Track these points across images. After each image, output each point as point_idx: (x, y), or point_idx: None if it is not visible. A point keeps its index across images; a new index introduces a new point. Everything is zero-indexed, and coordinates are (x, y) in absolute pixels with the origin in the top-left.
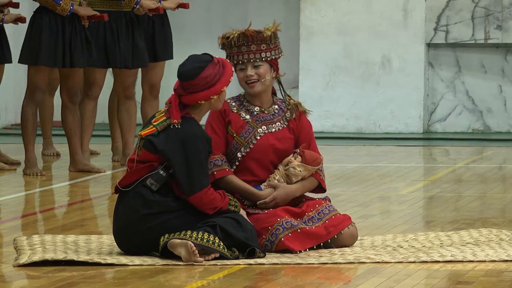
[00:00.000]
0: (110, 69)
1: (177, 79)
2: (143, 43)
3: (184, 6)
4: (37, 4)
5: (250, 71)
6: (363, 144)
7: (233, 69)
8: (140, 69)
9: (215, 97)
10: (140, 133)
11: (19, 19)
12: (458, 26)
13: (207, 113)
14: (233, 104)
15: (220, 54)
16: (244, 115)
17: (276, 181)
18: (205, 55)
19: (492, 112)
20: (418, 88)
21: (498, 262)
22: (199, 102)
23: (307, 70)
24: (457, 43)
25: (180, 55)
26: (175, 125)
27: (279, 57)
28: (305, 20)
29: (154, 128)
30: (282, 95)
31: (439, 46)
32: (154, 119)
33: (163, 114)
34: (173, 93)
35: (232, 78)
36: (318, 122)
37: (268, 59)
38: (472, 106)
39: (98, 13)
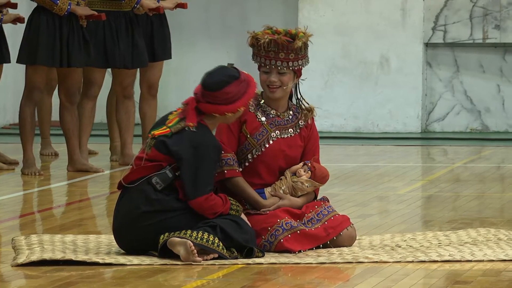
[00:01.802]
0: (109, 69)
1: (199, 84)
2: (143, 43)
3: (182, 6)
4: (35, 4)
5: (274, 77)
6: (362, 143)
7: (255, 90)
8: (138, 69)
9: (230, 114)
10: (152, 132)
11: (18, 19)
12: (456, 26)
13: None
14: (251, 103)
15: (217, 52)
16: (260, 116)
17: (281, 191)
18: (234, 69)
19: (490, 111)
20: (416, 87)
21: (496, 261)
22: (213, 114)
23: (305, 70)
24: (455, 42)
25: (178, 55)
26: (190, 128)
27: (304, 66)
28: (303, 20)
29: (168, 129)
30: (297, 98)
31: (437, 46)
32: (168, 121)
33: (177, 115)
34: (192, 96)
35: (252, 100)
36: (316, 122)
37: (295, 68)
38: (470, 106)
39: (96, 13)
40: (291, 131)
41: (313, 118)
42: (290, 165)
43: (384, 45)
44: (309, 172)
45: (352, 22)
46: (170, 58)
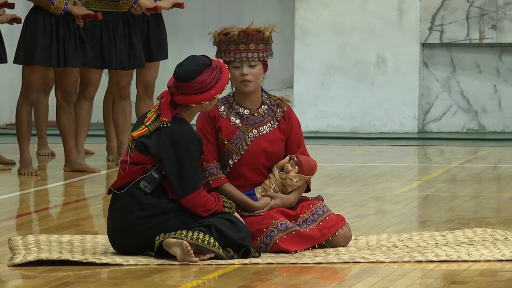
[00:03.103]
0: (106, 69)
1: (171, 76)
2: (140, 44)
3: (179, 5)
4: (32, 4)
5: (246, 70)
6: (358, 144)
7: (229, 76)
8: (135, 69)
9: (206, 102)
10: (132, 134)
11: (14, 20)
12: (453, 26)
13: (196, 115)
14: (222, 108)
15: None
16: (234, 119)
17: (272, 190)
18: (204, 57)
19: (487, 111)
20: (413, 88)
21: (492, 262)
22: (190, 104)
23: (302, 70)
24: (452, 43)
25: (175, 55)
26: (165, 123)
27: (269, 58)
28: (300, 20)
29: (146, 128)
30: (266, 93)
31: (434, 46)
32: (146, 119)
33: (154, 112)
34: (166, 89)
35: (226, 86)
36: (313, 122)
37: (265, 59)
38: (467, 106)
39: (92, 12)
40: (269, 125)
41: (290, 108)
42: (272, 161)
43: (381, 45)
44: (296, 167)
45: (349, 22)
46: (167, 58)
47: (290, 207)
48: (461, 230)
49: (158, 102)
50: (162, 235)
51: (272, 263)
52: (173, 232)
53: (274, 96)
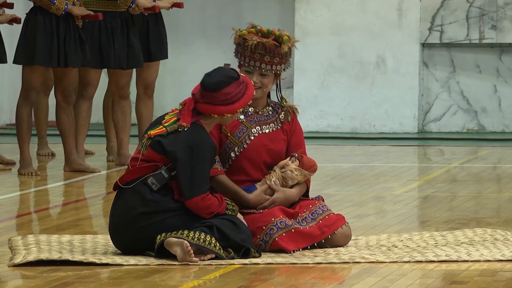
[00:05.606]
0: (105, 69)
1: (198, 84)
2: (138, 44)
3: (178, 5)
4: (31, 4)
5: (256, 78)
6: (358, 144)
7: (254, 93)
8: (134, 69)
9: (228, 115)
10: (148, 132)
11: (14, 20)
12: (453, 26)
13: None
14: None
15: (213, 47)
16: (238, 115)
17: (272, 183)
18: (233, 71)
19: (487, 112)
20: (413, 88)
21: (492, 262)
22: (212, 114)
23: (302, 70)
24: (451, 43)
25: (174, 55)
26: (183, 127)
27: (284, 71)
28: (300, 20)
29: (164, 128)
30: (277, 97)
31: (434, 46)
32: (164, 120)
33: (174, 115)
34: (190, 96)
35: (250, 101)
36: (312, 122)
37: (278, 72)
38: (467, 106)
39: (92, 13)
40: (272, 125)
41: (295, 114)
42: (275, 160)
43: (381, 45)
44: (297, 161)
45: (349, 22)
46: (167, 57)
47: (290, 205)
48: (461, 230)
49: (180, 107)
50: (163, 234)
51: (272, 263)
52: (175, 232)
53: (287, 102)
